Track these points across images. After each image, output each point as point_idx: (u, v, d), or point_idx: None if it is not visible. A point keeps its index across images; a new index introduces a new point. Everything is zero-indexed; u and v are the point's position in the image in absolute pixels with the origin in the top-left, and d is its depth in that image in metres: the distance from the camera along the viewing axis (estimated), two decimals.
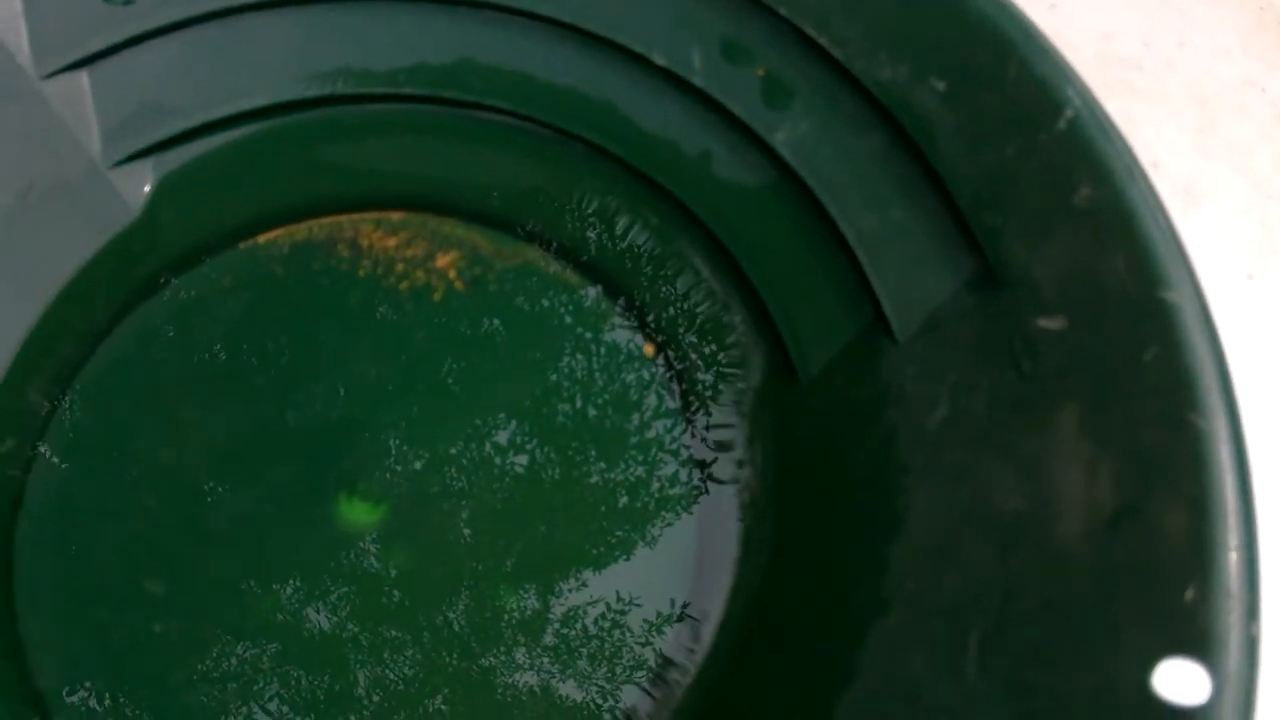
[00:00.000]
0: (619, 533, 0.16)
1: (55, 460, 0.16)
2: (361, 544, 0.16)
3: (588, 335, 0.17)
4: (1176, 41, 0.22)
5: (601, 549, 0.16)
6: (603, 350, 0.17)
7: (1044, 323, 0.15)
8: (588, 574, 0.16)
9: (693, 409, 0.17)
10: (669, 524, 0.16)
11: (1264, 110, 0.21)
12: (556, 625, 0.16)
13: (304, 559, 0.16)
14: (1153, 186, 0.15)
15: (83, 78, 0.17)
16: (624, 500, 0.16)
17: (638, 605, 0.16)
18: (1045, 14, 0.18)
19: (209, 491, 0.16)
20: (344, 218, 0.18)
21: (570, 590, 0.16)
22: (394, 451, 0.16)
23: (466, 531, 0.16)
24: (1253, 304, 0.19)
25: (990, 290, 0.15)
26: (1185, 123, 0.21)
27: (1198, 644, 0.12)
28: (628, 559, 0.16)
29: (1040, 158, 0.15)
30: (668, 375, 0.17)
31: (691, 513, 0.16)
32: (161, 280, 0.17)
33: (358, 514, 0.16)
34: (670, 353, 0.17)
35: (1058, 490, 0.14)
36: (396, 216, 0.18)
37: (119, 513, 0.16)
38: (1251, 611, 0.12)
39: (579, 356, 0.17)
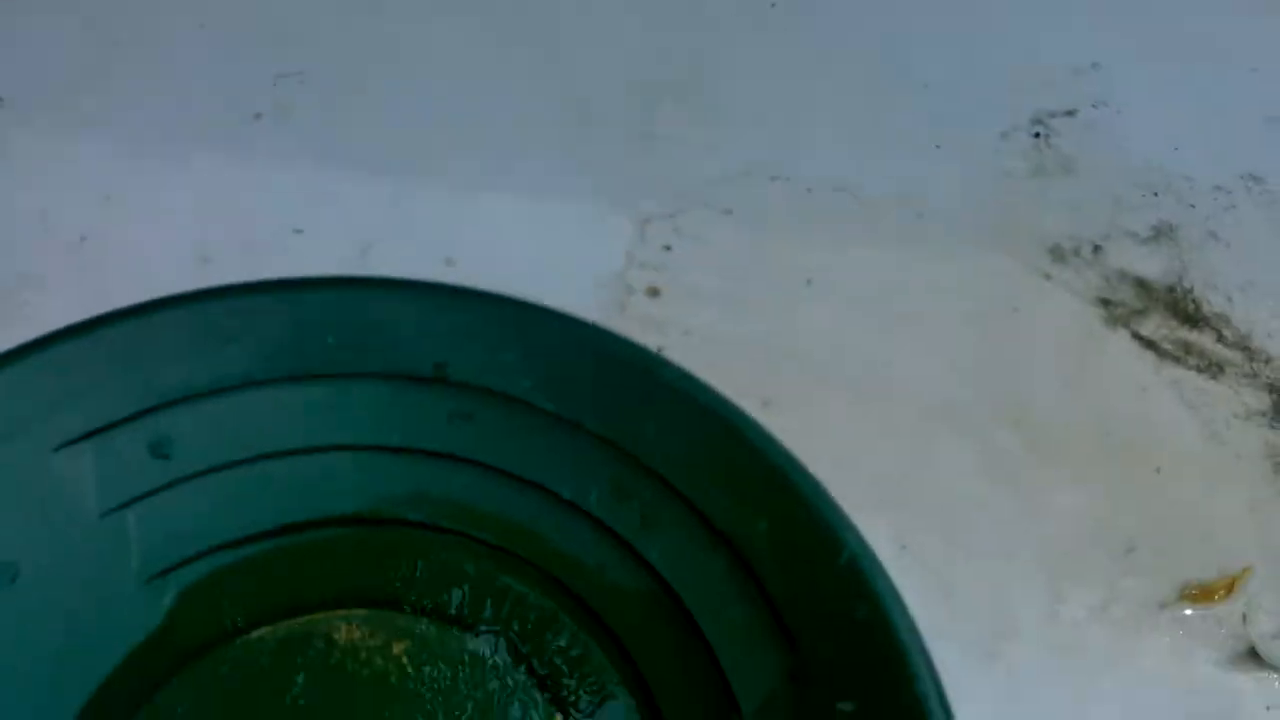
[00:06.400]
0: None
1: None
2: None
3: (514, 706, 0.23)
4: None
5: None
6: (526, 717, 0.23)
7: (842, 706, 0.21)
8: None
9: None
10: None
11: (992, 519, 0.29)
12: None
13: None
14: (905, 606, 0.22)
15: (129, 514, 0.23)
16: None
17: None
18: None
19: None
20: (319, 615, 0.24)
21: None
22: None
23: None
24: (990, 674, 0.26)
25: (806, 682, 0.21)
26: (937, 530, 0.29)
27: None
28: None
29: (831, 583, 0.22)
30: None
31: None
32: (175, 672, 0.22)
33: None
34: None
35: None
36: (361, 613, 0.24)
37: None
38: None
39: None
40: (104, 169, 0.34)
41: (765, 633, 0.22)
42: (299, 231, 0.33)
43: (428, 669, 0.23)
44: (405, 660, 0.23)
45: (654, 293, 0.35)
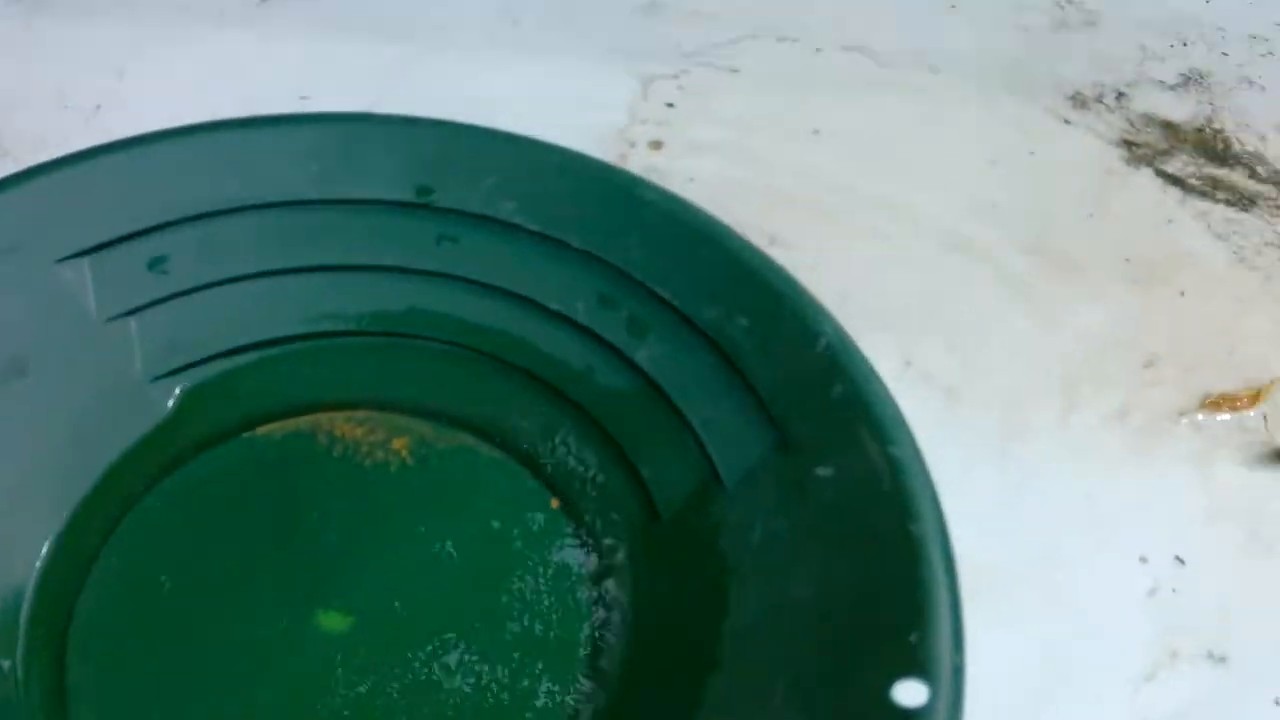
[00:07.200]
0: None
1: (99, 590, 0.22)
2: (335, 643, 0.21)
3: (507, 494, 0.24)
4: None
5: None
6: (519, 504, 0.24)
7: (820, 471, 0.21)
8: None
9: (585, 542, 0.23)
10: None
11: (1004, 336, 0.29)
12: None
13: (294, 655, 0.21)
14: (882, 382, 0.22)
15: (131, 322, 0.24)
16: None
17: None
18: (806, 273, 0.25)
19: (220, 611, 0.21)
20: (322, 415, 0.25)
21: None
22: (360, 579, 0.22)
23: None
24: (996, 469, 0.26)
25: (786, 452, 0.22)
26: (946, 346, 0.29)
27: (920, 670, 0.18)
28: None
29: (809, 367, 0.22)
30: (568, 523, 0.23)
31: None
32: (182, 461, 0.23)
33: (333, 622, 0.22)
34: (569, 505, 0.23)
35: (832, 582, 0.20)
36: (362, 413, 0.25)
37: (149, 626, 0.21)
38: (956, 645, 0.18)
39: (501, 509, 0.24)
40: (118, 49, 0.35)
41: (749, 418, 0.22)
42: (305, 98, 0.34)
43: (426, 461, 0.24)
44: (405, 453, 0.24)
45: (656, 145, 0.35)
